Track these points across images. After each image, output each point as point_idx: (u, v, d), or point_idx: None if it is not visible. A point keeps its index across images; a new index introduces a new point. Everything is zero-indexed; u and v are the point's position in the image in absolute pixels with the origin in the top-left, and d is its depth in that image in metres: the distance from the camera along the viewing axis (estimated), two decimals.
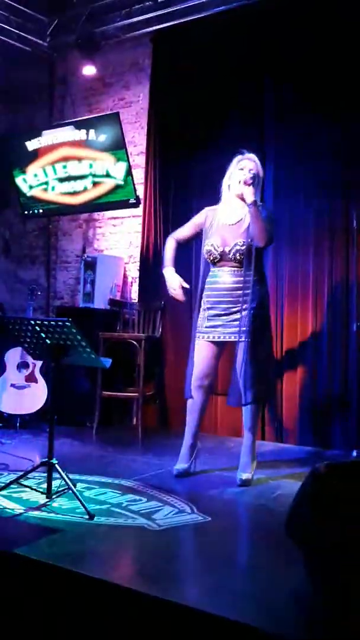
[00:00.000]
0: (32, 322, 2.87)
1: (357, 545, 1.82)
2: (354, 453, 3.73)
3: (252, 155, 3.43)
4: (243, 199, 3.37)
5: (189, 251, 4.83)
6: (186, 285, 3.54)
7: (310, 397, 4.31)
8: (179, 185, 4.92)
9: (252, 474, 3.35)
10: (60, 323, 2.79)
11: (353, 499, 1.89)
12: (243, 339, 3.33)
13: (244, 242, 3.33)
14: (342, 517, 1.86)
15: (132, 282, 5.40)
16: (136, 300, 5.24)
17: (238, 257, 3.34)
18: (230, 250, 3.35)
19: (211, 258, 3.41)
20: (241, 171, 3.37)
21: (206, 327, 3.41)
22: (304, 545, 1.99)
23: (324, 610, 1.85)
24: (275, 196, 4.46)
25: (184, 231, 3.62)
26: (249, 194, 3.28)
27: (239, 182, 3.35)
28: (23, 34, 5.43)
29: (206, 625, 1.83)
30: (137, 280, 5.29)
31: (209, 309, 3.42)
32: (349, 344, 4.13)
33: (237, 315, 3.34)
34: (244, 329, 3.32)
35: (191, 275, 4.81)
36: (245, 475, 3.32)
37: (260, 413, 3.50)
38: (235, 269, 3.37)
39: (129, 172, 5.04)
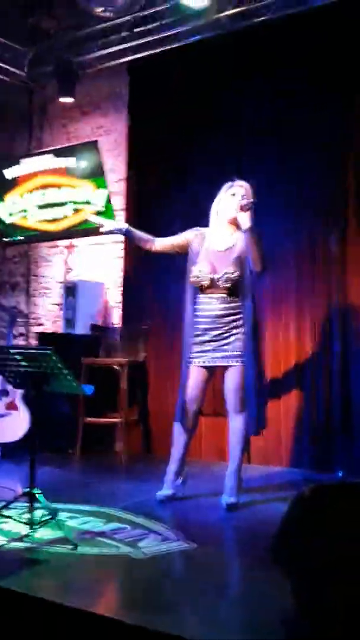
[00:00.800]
0: (13, 351, 2.85)
1: (345, 562, 1.81)
2: (340, 474, 3.73)
3: (243, 182, 3.42)
4: (234, 225, 3.38)
5: (170, 276, 4.85)
6: (111, 227, 3.61)
7: (295, 420, 4.31)
8: (160, 211, 4.95)
9: (238, 498, 3.33)
10: (42, 352, 2.77)
11: (340, 518, 1.89)
12: (233, 363, 3.33)
13: (234, 270, 3.33)
14: (330, 537, 1.85)
15: (113, 307, 5.39)
16: (118, 325, 5.23)
17: (228, 285, 3.33)
18: (219, 279, 3.34)
19: (200, 285, 3.39)
20: (233, 197, 3.37)
21: (196, 352, 3.40)
22: (291, 568, 1.97)
23: (312, 633, 1.83)
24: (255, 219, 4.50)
25: (170, 238, 3.56)
26: (246, 219, 3.26)
27: (235, 209, 3.32)
28: (1, 63, 5.48)
29: None
30: (119, 305, 5.29)
31: (198, 335, 3.40)
32: (331, 366, 4.15)
33: (228, 340, 3.34)
34: (236, 353, 3.33)
35: (173, 301, 4.84)
36: (231, 500, 3.29)
37: (248, 438, 3.49)
38: (224, 296, 3.36)
39: (109, 199, 5.06)
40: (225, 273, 3.33)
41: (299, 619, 1.89)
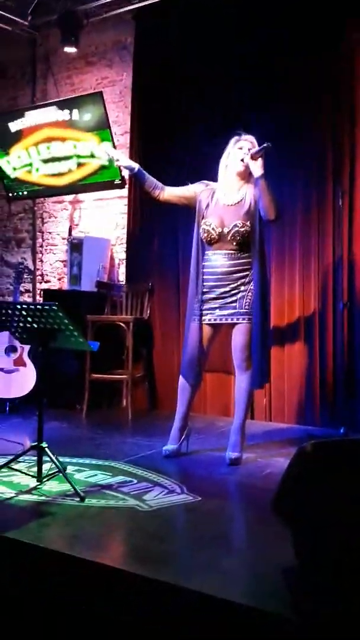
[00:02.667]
0: (19, 306, 2.85)
1: (343, 515, 1.85)
2: (342, 430, 3.77)
3: (250, 136, 3.36)
4: (243, 179, 3.34)
5: (174, 232, 4.83)
6: (124, 163, 3.50)
7: (299, 376, 4.34)
8: (165, 165, 4.86)
9: (242, 453, 3.38)
10: (47, 307, 2.77)
11: (340, 473, 1.92)
12: (241, 320, 3.33)
13: (244, 223, 3.29)
14: (330, 491, 1.89)
15: (119, 264, 5.38)
16: (123, 282, 5.22)
17: (238, 239, 3.29)
18: (229, 232, 3.30)
19: (209, 239, 3.34)
20: (240, 150, 3.32)
21: (202, 309, 3.38)
22: (291, 520, 2.02)
23: (311, 586, 1.88)
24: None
25: (179, 188, 3.49)
26: (258, 167, 3.21)
27: (242, 159, 3.28)
28: (3, 12, 5.33)
29: (197, 604, 1.86)
30: (124, 262, 5.27)
31: (205, 292, 3.38)
32: (335, 323, 4.15)
33: (235, 297, 3.33)
34: (243, 310, 3.32)
35: (178, 257, 4.82)
36: (234, 455, 3.35)
37: (252, 394, 3.51)
38: (233, 251, 3.32)
39: None
40: (235, 226, 3.29)
41: (300, 569, 1.95)
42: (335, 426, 3.93)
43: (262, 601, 1.83)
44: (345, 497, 1.87)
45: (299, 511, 1.96)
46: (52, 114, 5.26)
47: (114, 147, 4.94)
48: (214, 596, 1.83)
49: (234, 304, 3.33)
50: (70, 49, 5.27)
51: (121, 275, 5.33)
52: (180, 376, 3.49)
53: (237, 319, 3.34)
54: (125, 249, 5.25)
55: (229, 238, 3.31)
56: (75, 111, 5.12)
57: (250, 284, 3.33)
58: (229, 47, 4.55)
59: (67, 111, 5.17)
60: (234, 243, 3.31)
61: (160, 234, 4.96)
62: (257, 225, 3.32)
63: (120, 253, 5.36)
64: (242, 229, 3.28)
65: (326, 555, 1.86)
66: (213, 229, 3.32)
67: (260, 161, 3.21)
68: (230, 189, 3.38)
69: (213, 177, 3.48)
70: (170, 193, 3.49)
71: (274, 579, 1.98)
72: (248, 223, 3.30)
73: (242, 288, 3.33)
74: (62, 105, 5.22)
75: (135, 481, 3.01)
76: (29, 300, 5.86)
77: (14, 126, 5.48)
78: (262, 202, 3.25)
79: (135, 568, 2.04)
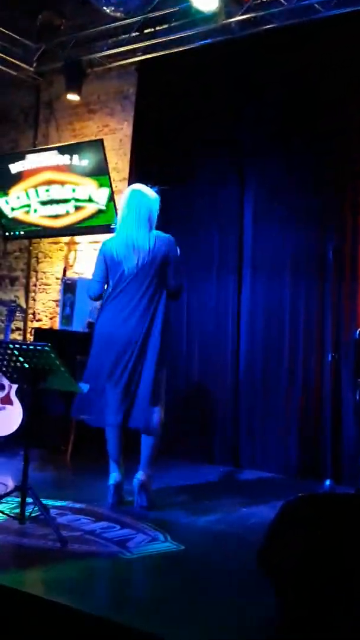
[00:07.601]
0: (11, 346, 2.87)
1: (330, 574, 1.84)
2: (327, 482, 3.76)
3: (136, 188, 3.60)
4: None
5: None
6: None
7: (285, 427, 4.34)
8: (161, 213, 4.96)
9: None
10: (39, 348, 2.79)
11: (326, 529, 1.92)
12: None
13: None
14: (316, 548, 1.89)
15: None
16: None
17: None
18: None
19: None
20: None
21: None
22: (277, 575, 2.01)
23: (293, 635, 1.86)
24: (255, 226, 4.54)
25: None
26: None
27: None
28: (10, 58, 5.49)
29: None
30: None
31: None
32: (323, 374, 4.18)
33: None
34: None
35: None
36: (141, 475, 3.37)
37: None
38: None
39: (111, 198, 5.08)
40: None
41: (283, 620, 1.93)
42: (321, 479, 3.92)
43: None
44: (330, 551, 1.87)
45: (284, 564, 1.95)
46: (52, 158, 5.38)
47: (112, 192, 5.05)
48: None
49: None
50: (73, 97, 5.43)
51: None
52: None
53: None
54: None
55: None
56: (75, 156, 5.25)
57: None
58: (229, 100, 4.71)
59: (67, 156, 5.29)
60: None
61: None
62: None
63: None
64: None
65: (310, 607, 1.85)
66: None
67: None
68: None
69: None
70: None
71: (256, 630, 1.96)
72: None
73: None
74: (63, 150, 5.35)
75: (119, 527, 2.98)
76: (19, 338, 5.87)
77: (14, 168, 5.60)
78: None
79: (112, 615, 2.01)
